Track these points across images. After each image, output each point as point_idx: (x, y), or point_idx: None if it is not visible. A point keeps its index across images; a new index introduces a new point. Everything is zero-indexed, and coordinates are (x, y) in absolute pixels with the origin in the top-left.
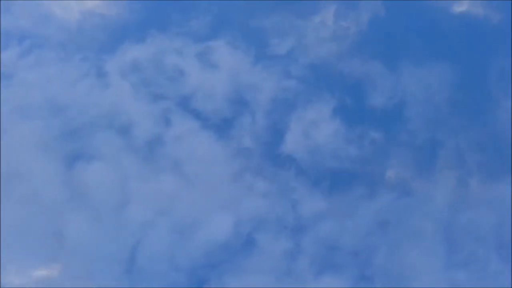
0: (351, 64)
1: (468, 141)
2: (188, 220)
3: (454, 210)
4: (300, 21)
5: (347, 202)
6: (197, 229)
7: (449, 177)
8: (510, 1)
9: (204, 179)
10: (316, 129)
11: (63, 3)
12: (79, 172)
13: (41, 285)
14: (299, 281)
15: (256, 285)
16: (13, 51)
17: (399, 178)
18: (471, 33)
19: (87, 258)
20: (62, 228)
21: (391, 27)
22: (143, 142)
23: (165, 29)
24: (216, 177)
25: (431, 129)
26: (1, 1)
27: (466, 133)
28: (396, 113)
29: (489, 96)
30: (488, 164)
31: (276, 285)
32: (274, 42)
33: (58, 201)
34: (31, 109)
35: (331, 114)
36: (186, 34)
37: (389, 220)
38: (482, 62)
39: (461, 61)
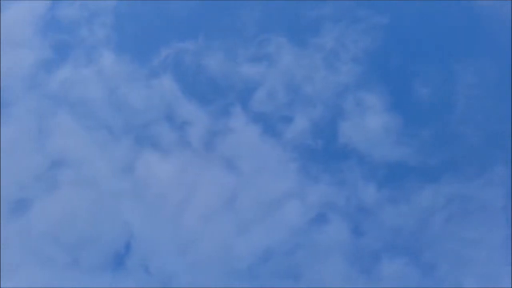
0: (405, 53)
1: None
2: (253, 211)
3: None
4: (351, 11)
5: (405, 189)
6: (264, 218)
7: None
8: None
9: (265, 173)
10: (371, 119)
11: None
12: (139, 164)
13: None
14: (364, 261)
15: (326, 267)
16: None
17: (457, 167)
18: None
19: (148, 249)
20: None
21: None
22: (202, 138)
23: (215, 26)
24: (277, 170)
25: (487, 119)
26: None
27: None
28: (450, 103)
29: None
30: None
31: (344, 266)
32: (324, 33)
33: (120, 193)
34: (90, 104)
35: (385, 104)
36: (236, 30)
37: (448, 203)
38: None
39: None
